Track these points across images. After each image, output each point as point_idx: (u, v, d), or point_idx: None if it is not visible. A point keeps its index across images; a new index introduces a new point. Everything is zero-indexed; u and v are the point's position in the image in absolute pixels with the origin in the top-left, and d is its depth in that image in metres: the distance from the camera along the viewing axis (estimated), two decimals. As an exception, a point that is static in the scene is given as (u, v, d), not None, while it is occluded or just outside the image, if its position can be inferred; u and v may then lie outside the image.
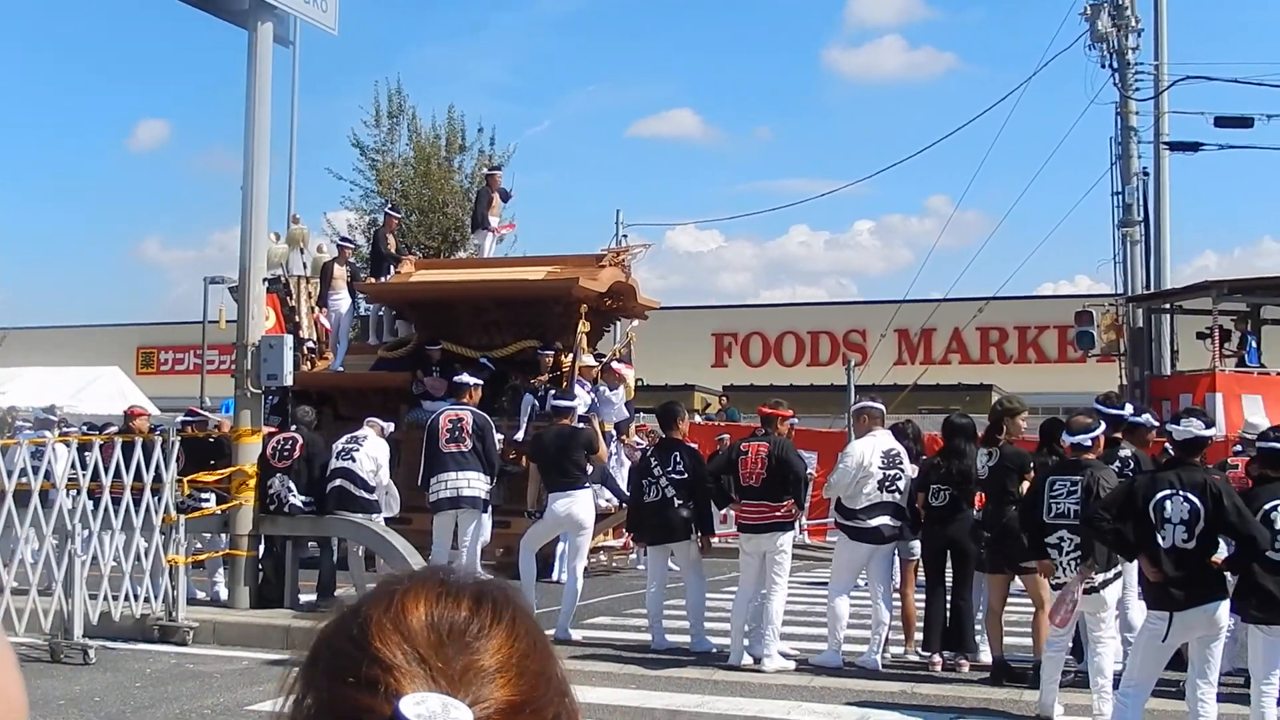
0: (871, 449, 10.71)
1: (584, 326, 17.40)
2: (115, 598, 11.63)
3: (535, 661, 1.03)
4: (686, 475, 11.26)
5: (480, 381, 14.35)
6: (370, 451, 12.94)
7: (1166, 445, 10.52)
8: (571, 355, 17.26)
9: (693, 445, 12.41)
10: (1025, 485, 10.05)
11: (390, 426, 13.74)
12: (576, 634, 11.99)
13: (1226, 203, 71.95)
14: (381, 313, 20.28)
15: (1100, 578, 8.24)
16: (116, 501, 11.78)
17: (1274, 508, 7.12)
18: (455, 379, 14.44)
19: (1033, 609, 9.84)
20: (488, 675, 0.99)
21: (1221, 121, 24.34)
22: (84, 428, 18.24)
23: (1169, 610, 6.83)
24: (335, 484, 12.77)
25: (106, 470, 11.75)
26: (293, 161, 26.91)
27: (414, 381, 17.96)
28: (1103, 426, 8.64)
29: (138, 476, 11.85)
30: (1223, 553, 7.14)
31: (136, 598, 11.86)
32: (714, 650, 11.10)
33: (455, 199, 32.11)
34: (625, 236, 32.26)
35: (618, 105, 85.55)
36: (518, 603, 1.08)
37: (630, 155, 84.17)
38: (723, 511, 12.82)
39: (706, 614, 11.58)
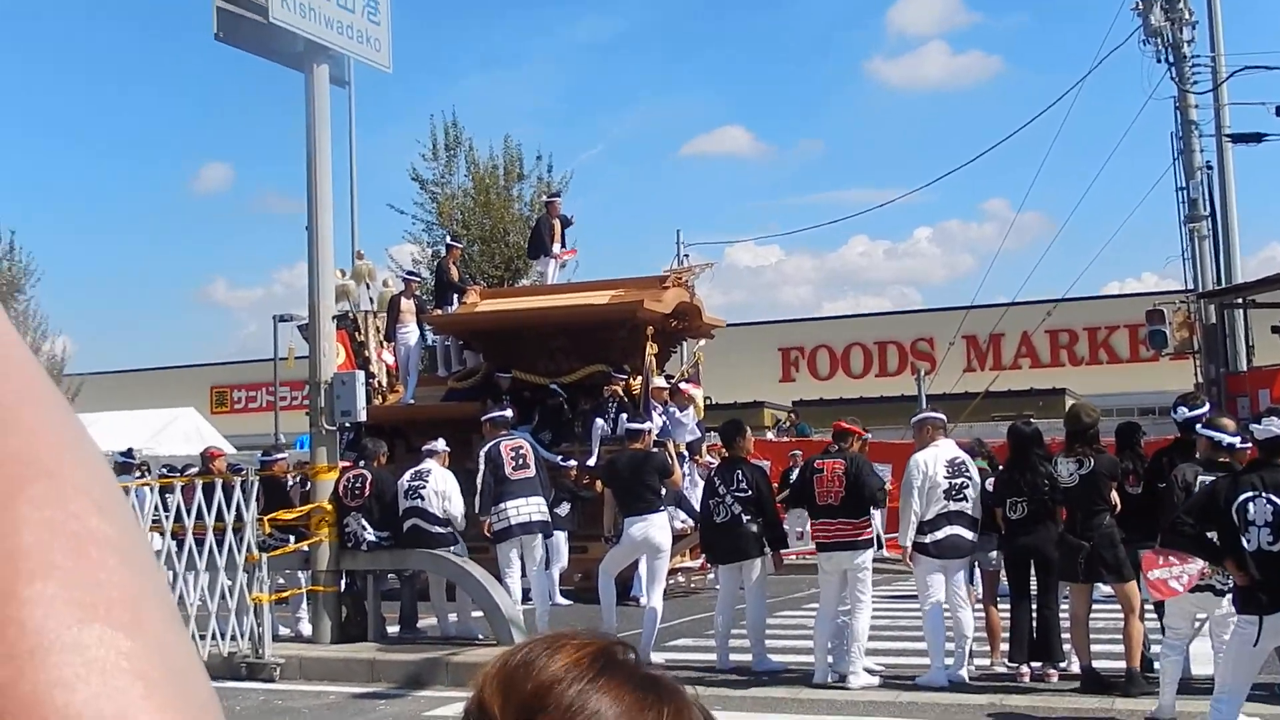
0: (934, 458, 10.65)
1: (651, 348, 17.43)
2: (202, 637, 11.79)
3: None
4: (750, 492, 11.27)
5: (505, 413, 14.44)
6: (436, 486, 12.96)
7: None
8: (642, 378, 17.29)
9: (759, 462, 12.37)
10: (1114, 494, 9.88)
11: (442, 445, 13.70)
12: (658, 657, 12.00)
13: (1291, 192, 70.79)
14: (449, 343, 20.43)
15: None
16: (200, 542, 11.95)
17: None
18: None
19: (1122, 615, 9.70)
20: None
21: (1283, 110, 23.96)
22: (164, 470, 18.55)
23: (1258, 614, 6.73)
24: (410, 523, 12.87)
25: (189, 512, 11.93)
26: (353, 198, 27.20)
27: (484, 411, 18.05)
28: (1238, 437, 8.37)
29: (219, 517, 12.03)
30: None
31: (223, 636, 12.02)
32: (782, 669, 11.10)
33: (516, 227, 32.26)
34: (687, 255, 32.34)
35: (667, 125, 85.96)
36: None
37: (685, 174, 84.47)
38: (799, 530, 12.78)
39: (792, 631, 11.54)
